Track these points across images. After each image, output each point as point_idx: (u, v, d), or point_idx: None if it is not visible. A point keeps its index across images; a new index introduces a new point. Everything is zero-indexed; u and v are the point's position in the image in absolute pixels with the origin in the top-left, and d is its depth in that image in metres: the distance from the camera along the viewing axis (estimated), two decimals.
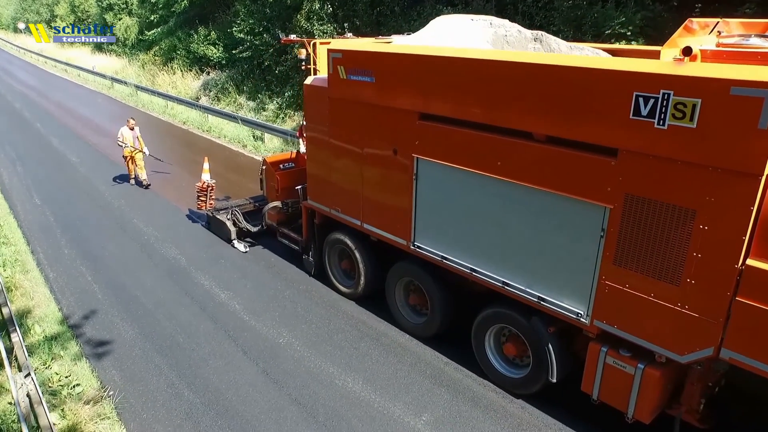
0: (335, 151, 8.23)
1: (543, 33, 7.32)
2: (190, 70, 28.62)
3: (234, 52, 24.25)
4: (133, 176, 14.81)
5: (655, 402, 5.50)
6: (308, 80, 8.68)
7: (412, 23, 16.38)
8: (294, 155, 10.87)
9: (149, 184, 14.69)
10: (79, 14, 48.87)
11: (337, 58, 7.58)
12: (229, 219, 11.14)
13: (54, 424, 5.94)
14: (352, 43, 8.29)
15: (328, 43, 8.59)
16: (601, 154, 5.17)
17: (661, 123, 4.69)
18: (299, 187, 9.60)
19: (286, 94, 21.22)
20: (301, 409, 6.64)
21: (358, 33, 18.14)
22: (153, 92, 27.97)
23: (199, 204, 11.82)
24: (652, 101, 4.70)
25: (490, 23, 7.56)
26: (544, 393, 6.60)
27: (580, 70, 5.22)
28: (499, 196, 6.14)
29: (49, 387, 7.07)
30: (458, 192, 6.59)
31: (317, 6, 19.34)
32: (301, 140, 12.44)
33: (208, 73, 27.34)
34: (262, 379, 7.16)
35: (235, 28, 23.49)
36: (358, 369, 7.33)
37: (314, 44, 9.02)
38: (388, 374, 7.22)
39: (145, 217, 12.72)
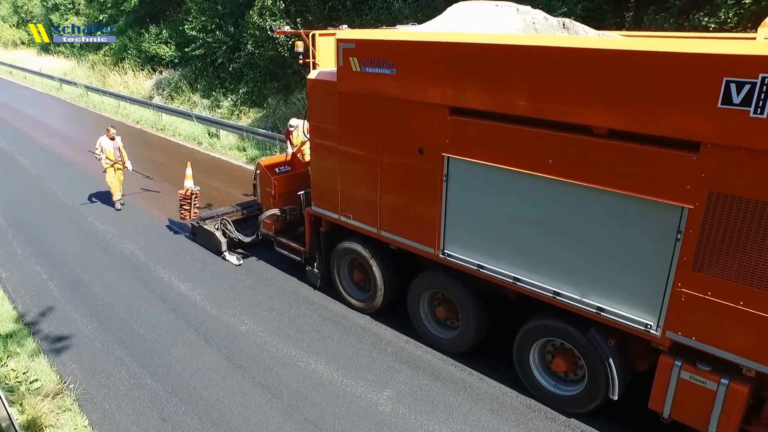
0: (346, 151, 7.49)
1: (570, 20, 7.02)
2: (142, 70, 28.13)
3: (186, 50, 23.98)
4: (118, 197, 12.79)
5: (740, 419, 4.95)
6: (312, 74, 7.95)
7: (364, 17, 16.58)
8: (289, 157, 10.20)
9: (122, 206, 12.87)
10: (23, 15, 47.32)
11: (349, 49, 6.88)
12: (218, 229, 10.24)
13: (14, 419, 5.90)
14: (366, 32, 7.51)
15: (331, 34, 8.06)
16: (679, 148, 4.63)
17: (758, 111, 4.13)
18: (302, 192, 8.82)
19: (240, 90, 21.15)
20: (265, 391, 6.74)
21: (310, 28, 18.21)
22: (104, 92, 27.40)
23: (182, 213, 10.93)
24: (747, 87, 4.13)
25: (517, 9, 7.11)
26: (497, 363, 6.89)
27: (656, 55, 4.58)
28: (550, 198, 5.54)
29: (6, 384, 6.98)
30: (498, 194, 5.97)
31: (269, 2, 19.32)
32: (288, 142, 12.10)
33: (161, 72, 26.95)
34: (225, 365, 7.24)
35: (187, 26, 23.25)
36: (321, 351, 7.48)
37: (313, 35, 8.33)
38: (350, 354, 7.40)
39: (101, 215, 12.55)
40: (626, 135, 4.90)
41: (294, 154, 10.29)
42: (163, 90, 25.55)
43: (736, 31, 9.16)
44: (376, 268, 7.83)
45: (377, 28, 15.57)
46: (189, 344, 7.69)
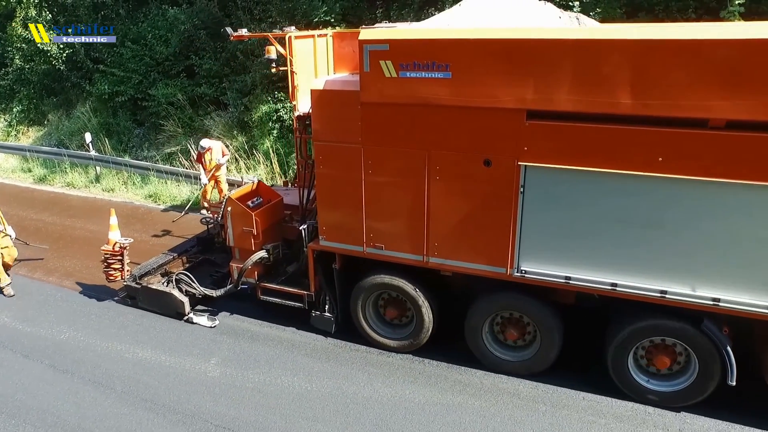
0: (374, 172, 6.58)
1: (579, 14, 6.78)
2: None
3: None
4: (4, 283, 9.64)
5: None
6: (317, 83, 6.78)
7: (141, 25, 16.64)
8: (256, 186, 8.60)
9: (13, 294, 9.58)
10: None
11: (379, 51, 5.98)
12: (173, 287, 8.53)
13: None
14: (402, 31, 6.50)
15: (309, 36, 7.46)
16: None
17: None
18: (304, 225, 7.59)
19: (14, 109, 19.76)
20: (97, 386, 7.17)
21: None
22: None
23: (110, 274, 8.90)
24: None
25: (545, 2, 6.82)
26: (306, 317, 7.92)
27: None
28: (658, 196, 5.43)
29: None
30: (591, 199, 5.70)
31: (33, 12, 18.31)
32: (201, 167, 11.72)
33: None
34: (50, 373, 7.49)
35: None
36: (145, 341, 8.05)
37: (289, 38, 7.18)
38: (174, 338, 8.09)
39: None
40: (746, 125, 4.98)
41: (260, 182, 8.93)
42: None
43: None
44: (422, 301, 7.04)
45: (156, 33, 15.81)
46: (6, 363, 7.74)
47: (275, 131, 13.86)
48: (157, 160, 15.51)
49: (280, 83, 13.96)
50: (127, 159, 15.56)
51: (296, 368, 7.29)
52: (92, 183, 15.55)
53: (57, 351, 7.93)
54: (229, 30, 7.78)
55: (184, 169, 14.27)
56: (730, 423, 6.06)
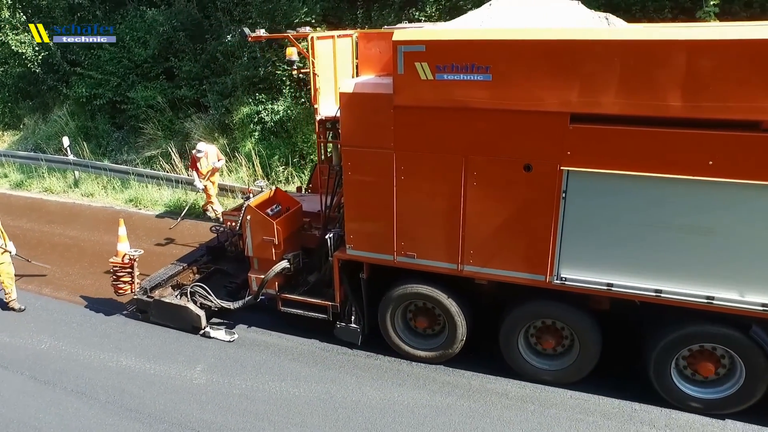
0: (407, 178, 6.36)
1: (608, 14, 6.69)
2: None
3: None
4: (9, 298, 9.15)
5: None
6: (346, 86, 6.47)
7: (118, 27, 16.42)
8: (273, 193, 8.35)
9: (23, 308, 9.17)
10: None
11: (414, 53, 5.78)
12: (188, 299, 8.15)
13: None
14: (439, 31, 6.33)
15: (331, 36, 7.27)
16: None
17: None
18: (330, 234, 7.23)
19: None
20: (80, 396, 7.06)
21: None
22: None
23: (119, 287, 8.50)
24: None
25: (579, 2, 6.71)
26: (292, 320, 7.90)
27: None
28: (707, 201, 5.32)
29: None
30: (637, 204, 5.57)
31: (7, 14, 17.98)
32: (195, 173, 11.51)
33: None
34: (31, 384, 7.35)
35: None
36: (129, 348, 7.93)
37: (311, 39, 6.92)
38: (158, 345, 7.98)
39: None
40: None
41: (278, 189, 8.67)
42: None
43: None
44: (455, 310, 6.84)
45: (134, 35, 15.62)
46: None
47: (257, 133, 13.77)
48: (137, 163, 15.33)
49: (260, 84, 13.90)
50: (106, 163, 15.36)
51: (283, 373, 7.24)
52: (71, 188, 15.32)
53: (38, 361, 7.79)
54: (246, 30, 7.44)
55: (165, 173, 14.11)
56: (715, 418, 6.14)
